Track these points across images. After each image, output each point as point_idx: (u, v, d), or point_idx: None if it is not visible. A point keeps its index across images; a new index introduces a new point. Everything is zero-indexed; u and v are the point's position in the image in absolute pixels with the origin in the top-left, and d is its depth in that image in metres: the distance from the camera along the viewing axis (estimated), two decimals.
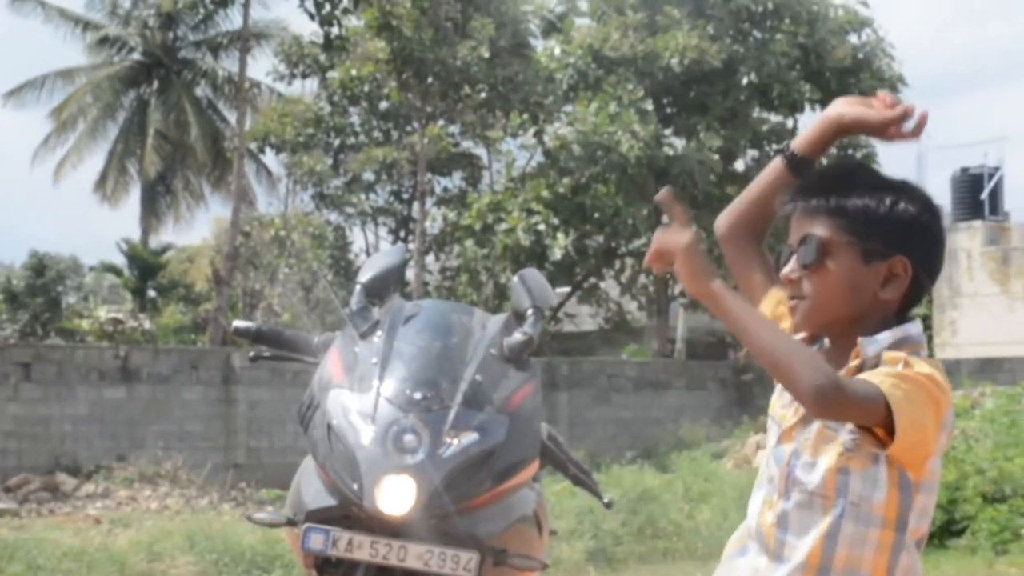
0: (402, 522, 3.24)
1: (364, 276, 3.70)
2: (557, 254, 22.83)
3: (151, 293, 36.24)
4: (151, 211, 36.69)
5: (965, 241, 22.93)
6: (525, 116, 23.59)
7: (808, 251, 2.30)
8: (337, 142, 26.07)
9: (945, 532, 13.03)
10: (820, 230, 2.30)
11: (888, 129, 2.34)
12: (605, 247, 24.35)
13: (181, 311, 30.29)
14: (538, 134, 23.80)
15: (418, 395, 3.34)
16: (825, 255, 2.29)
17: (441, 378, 3.39)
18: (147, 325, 24.62)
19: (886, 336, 2.30)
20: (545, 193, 23.01)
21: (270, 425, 18.18)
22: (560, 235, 22.92)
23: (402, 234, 25.73)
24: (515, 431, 3.39)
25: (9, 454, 16.58)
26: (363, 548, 3.28)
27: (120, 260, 37.93)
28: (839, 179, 2.33)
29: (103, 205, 36.51)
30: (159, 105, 35.40)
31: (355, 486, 3.26)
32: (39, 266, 23.55)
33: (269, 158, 30.17)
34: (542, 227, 22.90)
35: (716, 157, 22.81)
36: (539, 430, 3.59)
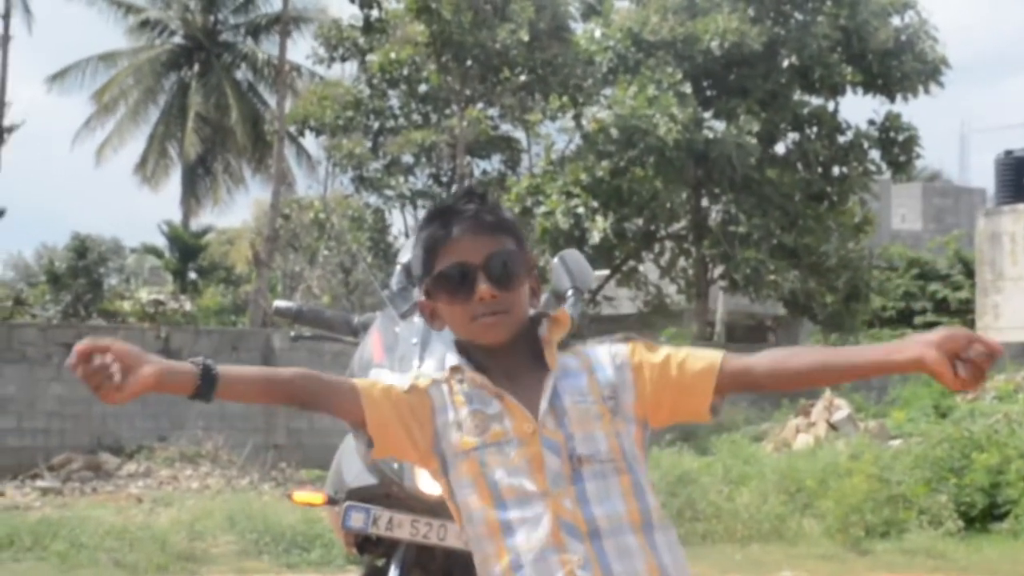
0: (442, 502, 3.25)
1: (404, 256, 3.71)
2: (596, 237, 22.78)
3: (192, 275, 36.46)
4: (191, 193, 36.89)
5: (1009, 224, 22.73)
6: (564, 99, 23.54)
7: (512, 264, 2.39)
8: (376, 125, 26.10)
9: (988, 516, 12.96)
10: (510, 245, 2.42)
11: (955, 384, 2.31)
12: (644, 230, 24.28)
13: (222, 293, 30.44)
14: (577, 117, 23.74)
15: None
16: (522, 271, 2.41)
17: None
18: (188, 307, 24.73)
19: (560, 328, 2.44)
20: (584, 176, 22.96)
21: None
22: (599, 218, 22.87)
23: None
24: None
25: (52, 434, 16.74)
26: (403, 527, 3.30)
27: (161, 242, 38.21)
28: (485, 199, 2.46)
29: (144, 188, 36.80)
30: (199, 88, 35.55)
31: (395, 466, 3.27)
32: (81, 248, 23.71)
33: (309, 141, 30.31)
34: (581, 210, 22.87)
35: (755, 141, 22.69)
36: None
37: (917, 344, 2.23)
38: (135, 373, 2.27)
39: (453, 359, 2.42)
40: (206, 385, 2.32)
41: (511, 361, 2.40)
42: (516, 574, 2.31)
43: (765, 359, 2.38)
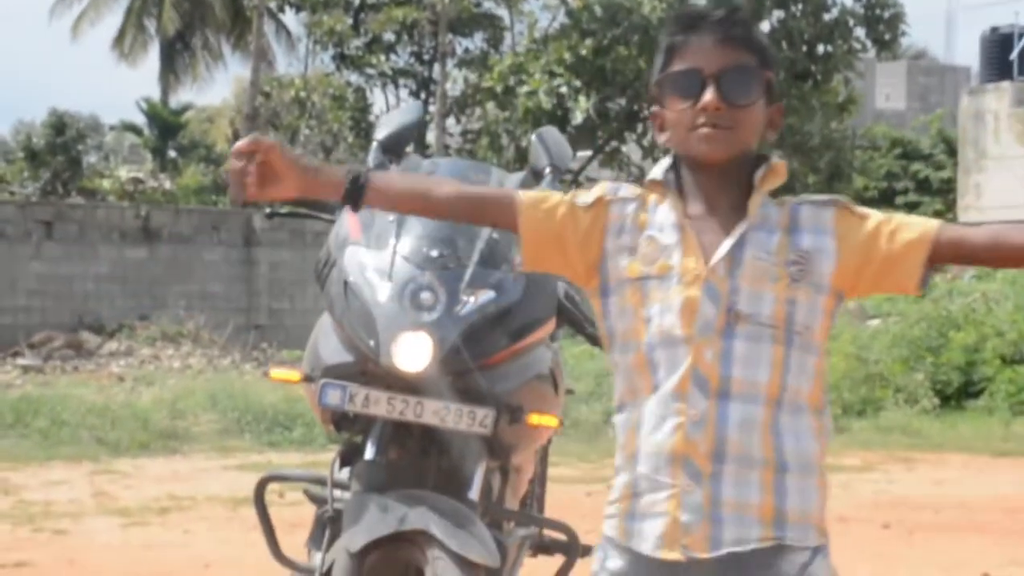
0: (418, 378, 3.25)
1: (380, 133, 3.67)
2: (579, 117, 22.62)
3: (171, 153, 36.19)
4: (170, 70, 36.44)
5: (993, 102, 22.61)
6: None
7: (746, 82, 2.29)
8: (357, 1, 25.72)
9: (963, 393, 13.11)
10: (750, 62, 2.30)
11: None
12: (627, 110, 24.12)
13: (202, 172, 30.24)
14: None
15: (434, 253, 3.33)
16: (760, 88, 2.30)
17: (457, 236, 3.37)
18: (168, 185, 24.56)
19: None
20: (567, 55, 22.73)
21: (291, 287, 18.26)
22: (582, 98, 22.70)
23: (423, 96, 25.51)
24: (531, 290, 3.39)
25: (33, 312, 16.73)
26: (380, 404, 3.30)
27: (140, 119, 37.86)
28: (738, 12, 2.35)
29: (121, 63, 36.27)
30: None
31: (371, 342, 3.26)
32: (59, 124, 23.45)
33: (289, 17, 29.88)
34: (564, 90, 22.68)
35: None
36: (555, 289, 3.58)
37: None
38: (277, 184, 2.32)
39: (659, 171, 2.34)
40: (353, 195, 2.34)
41: (716, 194, 2.30)
42: (642, 411, 2.28)
43: (984, 231, 2.28)
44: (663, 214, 2.31)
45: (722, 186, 2.30)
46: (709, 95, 2.26)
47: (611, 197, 2.35)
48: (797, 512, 2.24)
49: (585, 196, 2.35)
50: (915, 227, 2.29)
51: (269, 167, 2.30)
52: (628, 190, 2.36)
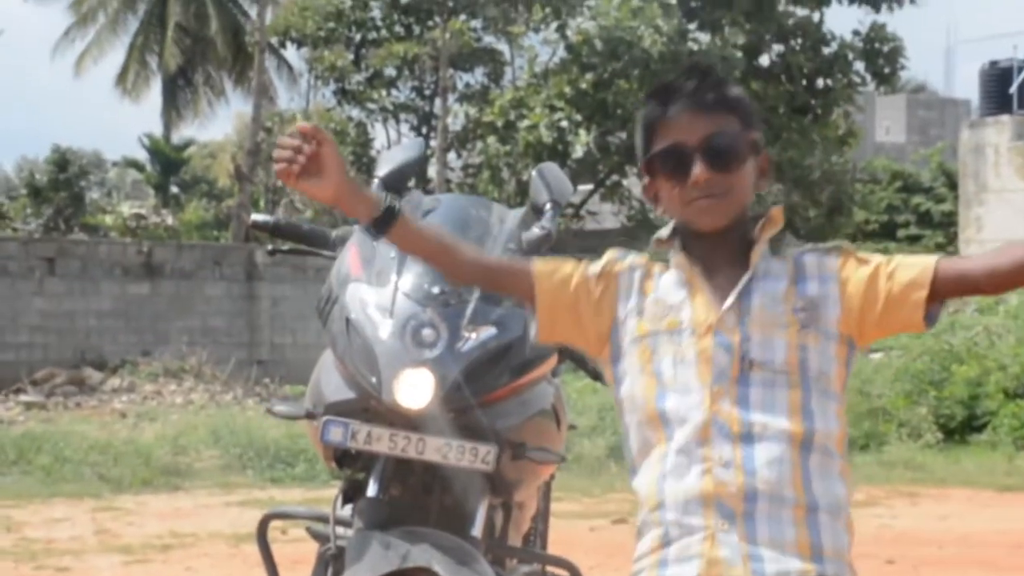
0: (420, 415, 3.25)
1: (381, 170, 3.68)
2: (579, 151, 22.69)
3: (174, 189, 36.29)
4: (172, 106, 36.58)
5: (993, 136, 22.65)
6: (547, 10, 23.31)
7: (732, 146, 2.30)
8: (358, 37, 25.84)
9: (966, 427, 13.07)
10: (731, 126, 2.32)
11: None
12: (628, 144, 24.14)
13: (204, 207, 30.31)
14: (560, 28, 23.52)
15: (436, 289, 3.34)
16: (744, 152, 2.31)
17: None
18: (170, 221, 24.66)
19: (797, 243, 2.37)
20: (567, 89, 22.81)
21: (293, 321, 18.26)
22: (582, 132, 22.76)
23: (424, 131, 25.59)
24: None
25: (35, 348, 16.73)
26: (382, 441, 3.30)
27: (142, 155, 37.97)
28: (709, 75, 2.36)
29: (124, 100, 36.42)
30: None
31: (373, 379, 3.26)
32: (62, 161, 23.54)
33: (290, 53, 29.96)
34: (564, 124, 22.74)
35: (739, 53, 22.54)
36: None
37: None
38: (319, 179, 2.32)
39: (665, 232, 2.36)
40: (382, 222, 2.38)
41: (718, 251, 2.32)
42: (663, 463, 2.27)
43: (980, 260, 2.30)
44: (668, 278, 2.35)
45: (724, 243, 2.33)
46: (698, 169, 2.28)
47: (618, 267, 2.38)
48: (831, 548, 2.24)
49: (594, 266, 2.39)
50: (914, 266, 2.30)
51: (319, 160, 2.31)
52: (634, 258, 2.40)
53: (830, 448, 2.28)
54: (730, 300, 2.28)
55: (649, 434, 2.30)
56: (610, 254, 2.41)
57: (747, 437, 2.23)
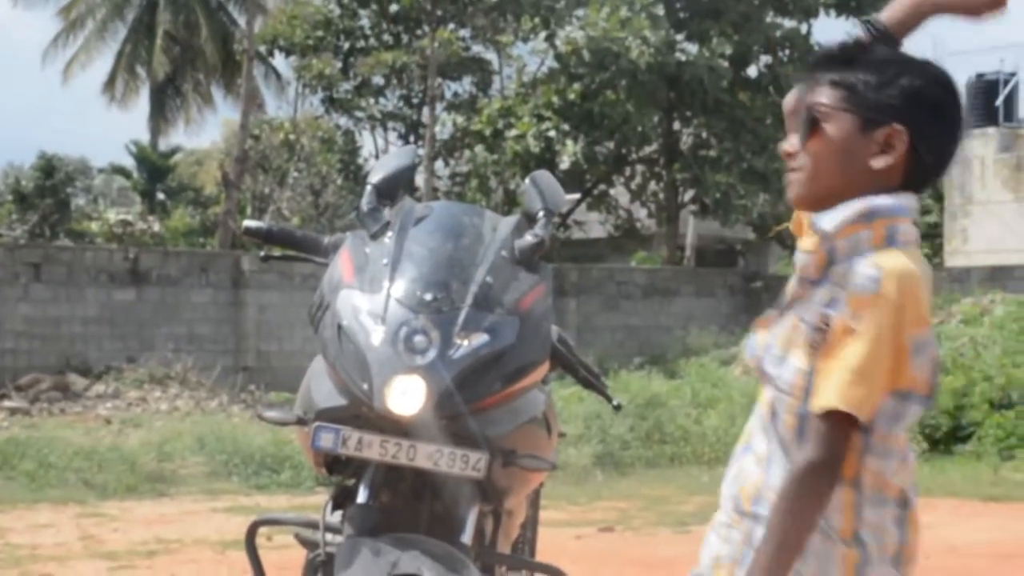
0: (412, 422, 3.24)
1: (375, 176, 3.68)
2: (567, 161, 22.73)
3: (160, 196, 36.24)
4: (160, 113, 36.51)
5: (979, 148, 22.76)
6: (536, 20, 23.35)
7: (813, 120, 2.23)
8: (347, 45, 25.86)
9: (952, 438, 13.11)
10: (817, 99, 2.24)
11: (980, 9, 2.30)
12: (615, 154, 24.22)
13: (190, 214, 30.28)
14: (549, 38, 23.57)
15: (428, 296, 3.33)
16: (820, 122, 2.22)
17: (452, 279, 3.37)
18: (156, 228, 24.62)
19: (842, 211, 2.18)
20: (555, 99, 22.85)
21: (279, 328, 18.23)
22: (570, 142, 22.80)
23: (411, 139, 25.60)
24: (525, 333, 3.38)
25: (20, 354, 16.67)
26: (373, 447, 3.29)
27: (129, 162, 37.92)
28: (848, 53, 2.25)
29: (112, 107, 36.31)
30: (168, 5, 35.04)
31: (365, 386, 3.26)
32: (48, 167, 23.50)
33: (279, 61, 30.02)
34: (552, 133, 22.78)
35: (727, 64, 22.60)
36: (549, 332, 3.58)
37: None
38: None
39: None
40: None
41: None
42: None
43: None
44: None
45: None
46: (786, 141, 2.29)
47: None
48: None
49: None
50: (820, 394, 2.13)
51: None
52: None
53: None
54: (782, 300, 2.28)
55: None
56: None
57: (748, 447, 2.38)
